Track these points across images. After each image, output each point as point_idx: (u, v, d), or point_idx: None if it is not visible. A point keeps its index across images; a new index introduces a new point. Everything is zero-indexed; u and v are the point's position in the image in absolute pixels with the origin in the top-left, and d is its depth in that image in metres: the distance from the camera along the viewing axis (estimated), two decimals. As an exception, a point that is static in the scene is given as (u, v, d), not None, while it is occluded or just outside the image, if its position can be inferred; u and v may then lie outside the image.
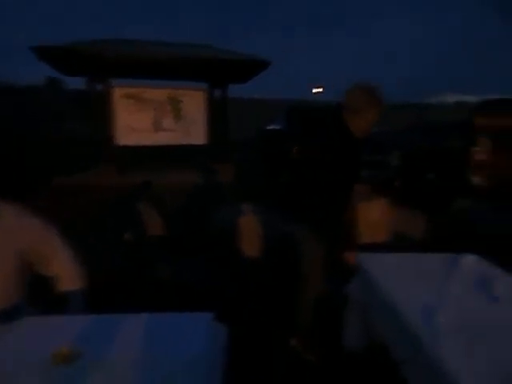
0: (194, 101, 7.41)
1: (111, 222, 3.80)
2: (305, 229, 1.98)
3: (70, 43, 6.01)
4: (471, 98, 12.74)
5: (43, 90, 14.69)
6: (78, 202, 4.80)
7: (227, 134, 7.85)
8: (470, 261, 2.03)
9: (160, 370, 1.02)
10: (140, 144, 6.95)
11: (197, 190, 5.30)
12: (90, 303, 1.45)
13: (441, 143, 7.49)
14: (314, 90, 19.53)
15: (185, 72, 7.02)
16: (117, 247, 3.31)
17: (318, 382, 1.87)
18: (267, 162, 8.50)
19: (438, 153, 7.19)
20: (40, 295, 1.41)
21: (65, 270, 1.42)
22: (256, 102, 17.93)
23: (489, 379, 1.07)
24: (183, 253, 3.41)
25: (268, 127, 10.48)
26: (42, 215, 1.40)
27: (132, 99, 6.88)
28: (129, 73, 6.82)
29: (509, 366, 1.13)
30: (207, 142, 7.54)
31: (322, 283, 2.03)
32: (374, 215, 2.94)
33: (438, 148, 7.38)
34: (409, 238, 3.67)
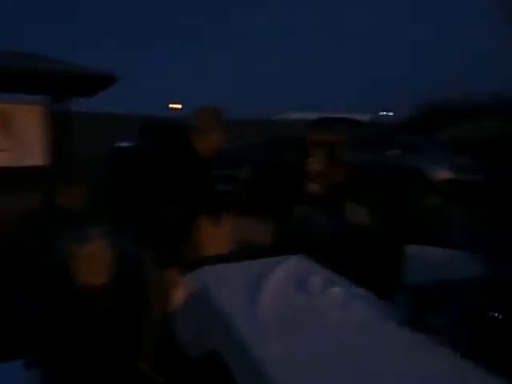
0: (29, 116, 6.59)
1: None
2: (145, 250, 1.98)
3: None
4: (309, 116, 14.66)
5: None
6: None
7: (73, 151, 7.19)
8: (296, 261, 2.33)
9: None
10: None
11: (35, 215, 4.69)
12: None
13: (285, 156, 8.35)
14: (171, 106, 19.52)
15: (17, 85, 6.20)
16: None
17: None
18: (118, 180, 8.13)
19: (283, 165, 8.00)
20: None
21: None
22: (109, 117, 16.90)
23: (307, 365, 1.25)
24: (11, 293, 2.98)
25: (120, 144, 10.04)
26: None
27: None
28: None
29: (325, 352, 1.34)
30: (48, 162, 6.76)
31: (167, 303, 2.05)
32: (219, 227, 3.10)
33: (283, 161, 8.20)
34: (255, 246, 3.98)
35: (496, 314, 1.38)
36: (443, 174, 8.68)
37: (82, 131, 8.45)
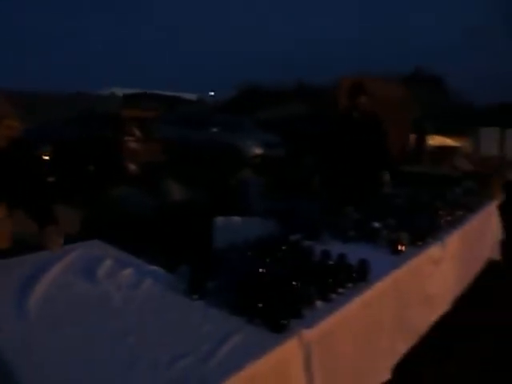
0: None
1: None
2: None
3: None
4: (127, 91, 13.75)
5: None
6: None
7: None
8: (86, 248, 2.10)
9: None
10: None
11: None
12: None
13: (97, 133, 7.60)
14: None
15: None
16: None
17: None
18: None
19: (94, 143, 7.28)
20: None
21: None
22: None
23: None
24: None
25: None
26: None
27: None
28: None
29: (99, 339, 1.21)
30: None
31: None
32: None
33: (94, 138, 7.43)
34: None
35: (262, 271, 1.52)
36: (255, 150, 9.55)
37: None
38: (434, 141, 9.05)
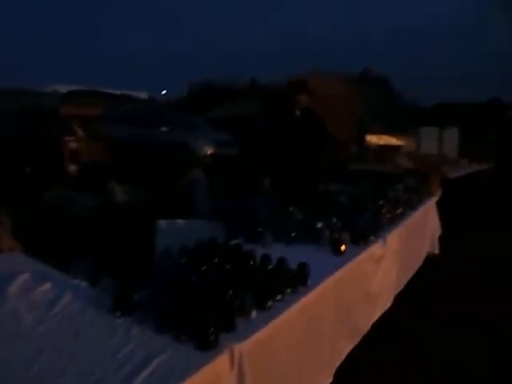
0: None
1: None
2: None
3: None
4: (68, 88, 12.95)
5: None
6: None
7: None
8: (6, 262, 1.89)
9: None
10: None
11: None
12: None
13: (33, 131, 7.07)
14: None
15: None
16: None
17: None
18: None
19: (32, 142, 6.75)
20: None
21: None
22: None
23: None
24: None
25: None
26: None
27: None
28: None
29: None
30: None
31: None
32: None
33: (31, 136, 6.91)
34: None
35: (195, 280, 1.41)
36: (206, 149, 9.37)
37: None
38: (380, 140, 9.39)
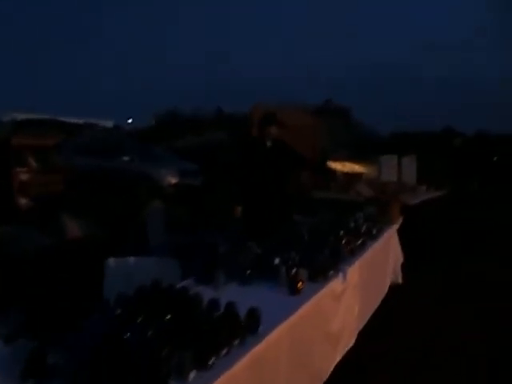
0: None
1: None
2: None
3: None
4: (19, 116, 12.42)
5: None
6: None
7: None
8: None
9: None
10: None
11: None
12: None
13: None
14: None
15: None
16: None
17: None
18: None
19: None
20: None
21: None
22: None
23: None
24: None
25: None
26: None
27: None
28: None
29: None
30: None
31: None
32: None
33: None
34: None
35: (126, 336, 1.23)
36: (170, 179, 9.15)
37: None
38: (344, 167, 9.54)
